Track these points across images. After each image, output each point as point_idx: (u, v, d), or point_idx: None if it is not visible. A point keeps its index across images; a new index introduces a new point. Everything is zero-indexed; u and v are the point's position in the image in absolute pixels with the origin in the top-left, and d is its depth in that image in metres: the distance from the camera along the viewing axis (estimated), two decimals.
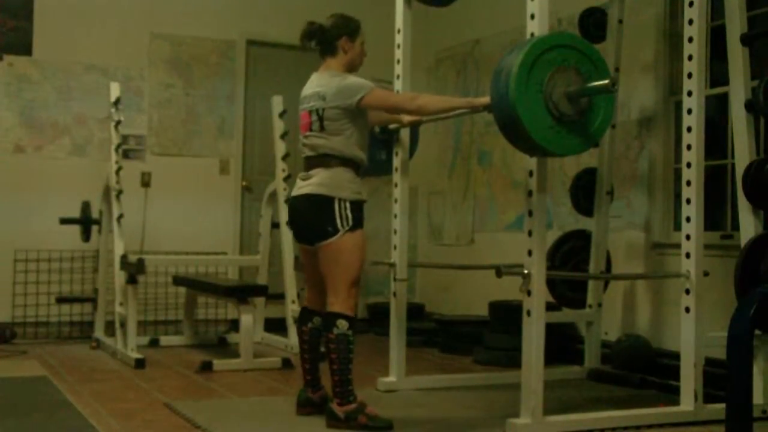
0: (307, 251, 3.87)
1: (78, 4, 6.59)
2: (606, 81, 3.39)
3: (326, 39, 3.83)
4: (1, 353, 5.66)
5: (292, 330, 5.85)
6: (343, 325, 3.64)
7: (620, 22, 5.02)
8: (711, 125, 4.22)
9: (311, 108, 3.77)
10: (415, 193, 7.09)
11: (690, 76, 3.92)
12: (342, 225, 3.66)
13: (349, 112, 3.72)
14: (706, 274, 3.92)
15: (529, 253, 3.60)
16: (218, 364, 5.15)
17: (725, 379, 3.01)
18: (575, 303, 5.15)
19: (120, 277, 5.57)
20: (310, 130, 3.77)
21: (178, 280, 6.30)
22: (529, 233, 3.61)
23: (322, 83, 3.78)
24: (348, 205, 3.68)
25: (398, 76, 4.60)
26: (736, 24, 4.11)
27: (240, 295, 5.34)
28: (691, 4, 3.91)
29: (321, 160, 3.74)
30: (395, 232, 4.60)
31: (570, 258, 5.18)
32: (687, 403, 3.89)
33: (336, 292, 3.69)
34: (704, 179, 3.93)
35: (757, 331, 3.61)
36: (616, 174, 5.24)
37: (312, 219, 3.71)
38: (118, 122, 5.90)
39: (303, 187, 3.76)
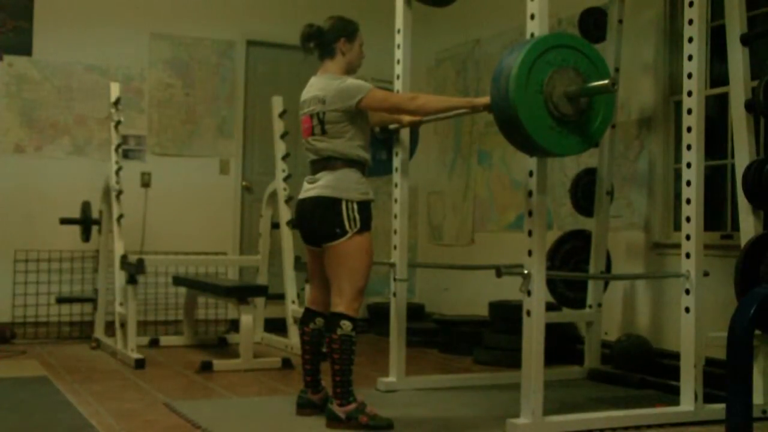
0: (313, 252, 3.87)
1: (78, 4, 6.59)
2: (606, 81, 3.38)
3: (324, 41, 3.82)
4: (1, 353, 5.66)
5: (292, 330, 5.85)
6: (346, 326, 3.63)
7: (620, 22, 5.02)
8: (711, 125, 4.21)
9: (311, 112, 3.77)
10: (415, 193, 7.09)
11: (690, 76, 3.92)
12: (350, 226, 3.66)
13: (349, 114, 3.71)
14: (706, 274, 3.92)
15: (529, 253, 3.60)
16: (218, 364, 5.15)
17: (725, 379, 3.01)
18: (575, 303, 5.15)
19: (120, 277, 5.57)
20: (312, 134, 3.77)
21: (178, 280, 6.29)
22: (529, 233, 3.61)
23: (321, 87, 3.77)
24: (355, 206, 3.68)
25: (398, 76, 4.59)
26: (736, 24, 4.11)
27: (240, 295, 5.33)
28: (691, 4, 3.91)
29: (326, 163, 3.74)
30: (395, 232, 4.60)
31: (570, 258, 5.18)
32: (687, 403, 3.89)
33: (341, 293, 3.69)
34: (704, 179, 3.93)
35: (757, 331, 3.62)
36: (616, 174, 5.24)
37: (320, 221, 3.71)
38: (118, 122, 5.90)
39: (310, 189, 3.77)
